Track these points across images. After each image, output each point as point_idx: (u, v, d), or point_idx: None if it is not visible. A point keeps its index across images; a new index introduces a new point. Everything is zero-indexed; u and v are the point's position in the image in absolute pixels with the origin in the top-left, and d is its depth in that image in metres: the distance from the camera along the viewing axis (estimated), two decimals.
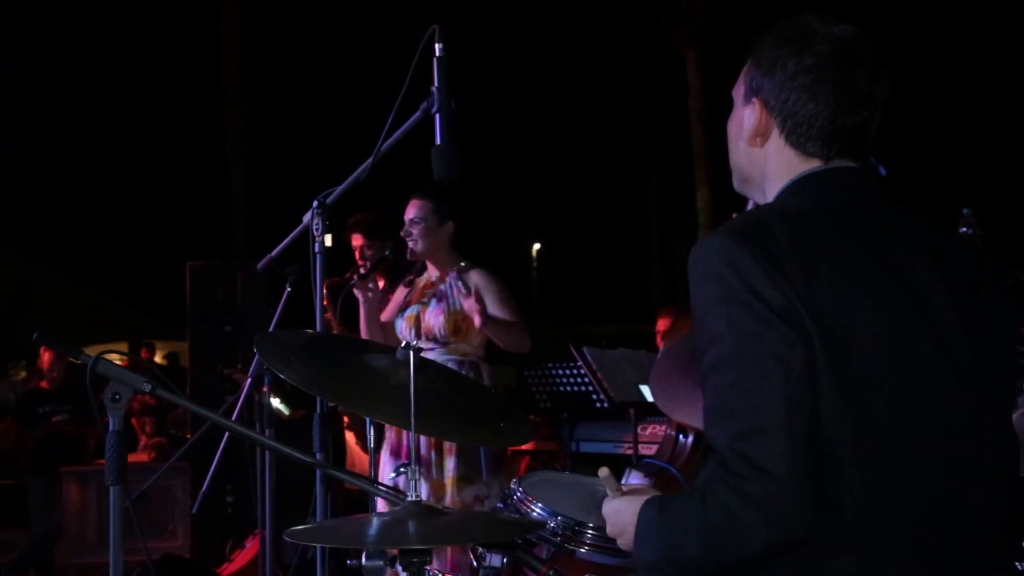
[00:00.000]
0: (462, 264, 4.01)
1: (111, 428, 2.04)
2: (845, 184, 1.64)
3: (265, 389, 3.57)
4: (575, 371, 5.29)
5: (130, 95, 20.85)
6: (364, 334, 3.89)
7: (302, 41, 21.89)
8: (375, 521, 1.95)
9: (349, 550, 2.35)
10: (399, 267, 4.29)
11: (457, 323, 3.87)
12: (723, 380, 1.48)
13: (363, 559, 2.12)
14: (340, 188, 2.72)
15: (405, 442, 3.80)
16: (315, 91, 22.08)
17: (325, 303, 4.26)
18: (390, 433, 3.90)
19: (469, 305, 3.71)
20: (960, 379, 1.54)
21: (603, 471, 1.87)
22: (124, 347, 19.59)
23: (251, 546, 5.27)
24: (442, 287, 3.97)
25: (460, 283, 3.92)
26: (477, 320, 3.70)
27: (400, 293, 4.12)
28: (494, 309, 3.83)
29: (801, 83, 1.61)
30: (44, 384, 7.27)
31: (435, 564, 3.31)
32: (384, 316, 4.06)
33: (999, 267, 1.72)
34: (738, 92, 1.74)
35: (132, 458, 7.54)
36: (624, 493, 1.79)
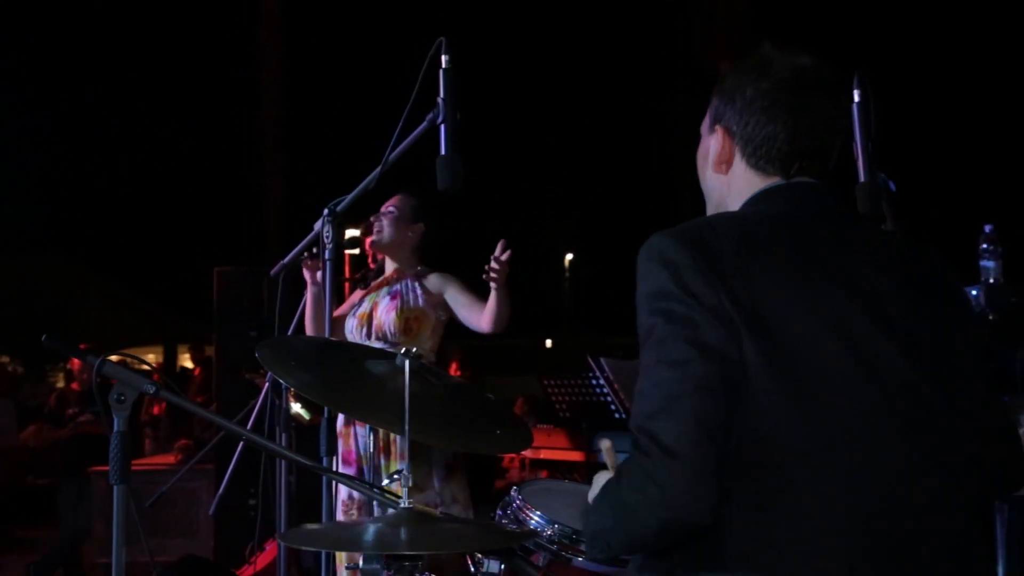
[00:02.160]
0: (420, 268, 3.94)
1: (115, 428, 2.08)
2: (802, 196, 1.69)
3: (285, 394, 3.61)
4: (594, 382, 5.30)
5: (169, 106, 21.16)
6: (308, 322, 3.79)
7: (341, 51, 22.11)
8: (369, 526, 1.98)
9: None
10: (365, 268, 4.17)
11: (408, 322, 3.78)
12: (643, 364, 1.53)
13: (360, 562, 2.15)
14: (350, 196, 2.76)
15: (354, 449, 3.75)
16: (352, 101, 22.27)
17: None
18: (341, 442, 3.80)
19: (500, 265, 3.49)
20: (919, 376, 1.55)
21: (605, 443, 1.89)
22: (160, 351, 19.89)
23: (270, 549, 5.32)
24: (397, 286, 3.87)
25: (418, 285, 3.86)
26: (499, 282, 3.52)
27: (356, 295, 4.03)
28: (460, 295, 3.79)
29: (759, 107, 1.68)
30: (75, 386, 7.41)
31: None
32: (337, 312, 3.96)
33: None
34: (705, 124, 1.81)
35: (159, 460, 7.66)
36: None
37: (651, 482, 1.45)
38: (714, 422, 1.46)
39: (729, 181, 1.75)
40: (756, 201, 1.70)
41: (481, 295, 3.73)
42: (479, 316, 3.70)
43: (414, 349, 2.06)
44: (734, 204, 1.74)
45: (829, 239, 1.62)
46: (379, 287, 3.93)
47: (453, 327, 3.94)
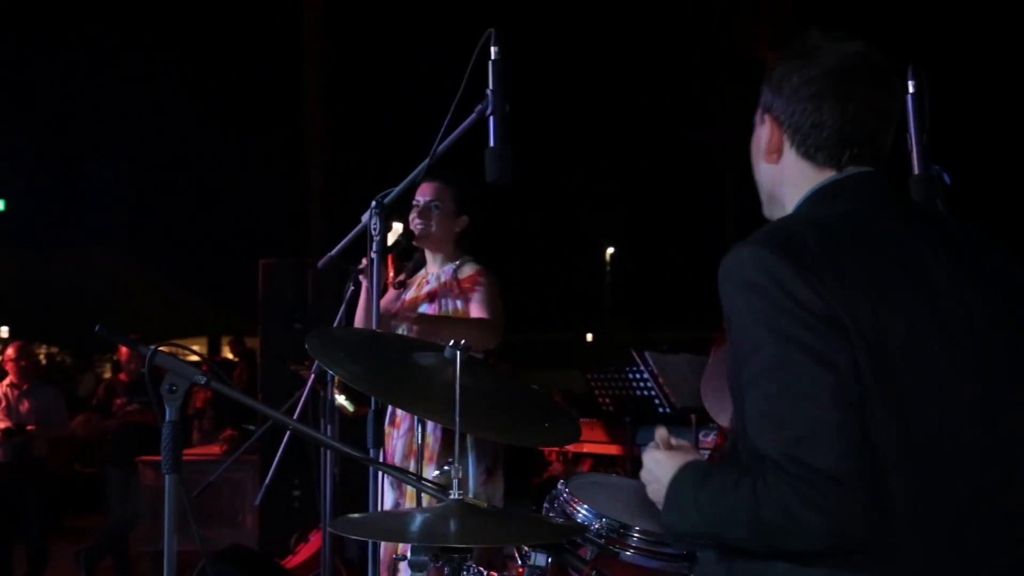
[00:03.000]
0: (462, 260, 3.78)
1: (167, 418, 2.10)
2: (861, 190, 1.66)
3: (330, 386, 3.62)
4: (638, 376, 5.28)
5: (212, 99, 21.37)
6: (359, 320, 3.69)
7: (384, 42, 22.19)
8: (418, 517, 1.98)
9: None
10: (406, 258, 3.96)
11: None
12: (771, 388, 1.48)
13: (408, 552, 2.15)
14: (398, 189, 2.76)
15: (390, 449, 3.69)
16: (395, 93, 22.35)
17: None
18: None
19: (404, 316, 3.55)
20: (1001, 378, 1.54)
21: (662, 430, 1.85)
22: (204, 342, 20.15)
23: (314, 540, 5.37)
24: (435, 286, 3.75)
25: (456, 284, 3.72)
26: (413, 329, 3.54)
27: (391, 295, 3.81)
28: (473, 304, 3.66)
29: (806, 94, 1.66)
30: (122, 376, 7.52)
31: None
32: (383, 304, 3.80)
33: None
34: (757, 115, 1.79)
35: (205, 450, 7.76)
36: (672, 448, 1.79)
37: (815, 508, 1.42)
38: (859, 436, 1.44)
39: (780, 171, 1.73)
40: (815, 201, 1.67)
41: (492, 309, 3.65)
42: None
43: (462, 342, 2.06)
44: (787, 194, 1.73)
45: (898, 236, 1.60)
46: (420, 300, 3.80)
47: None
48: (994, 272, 1.64)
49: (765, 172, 1.77)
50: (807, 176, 1.70)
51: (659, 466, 1.73)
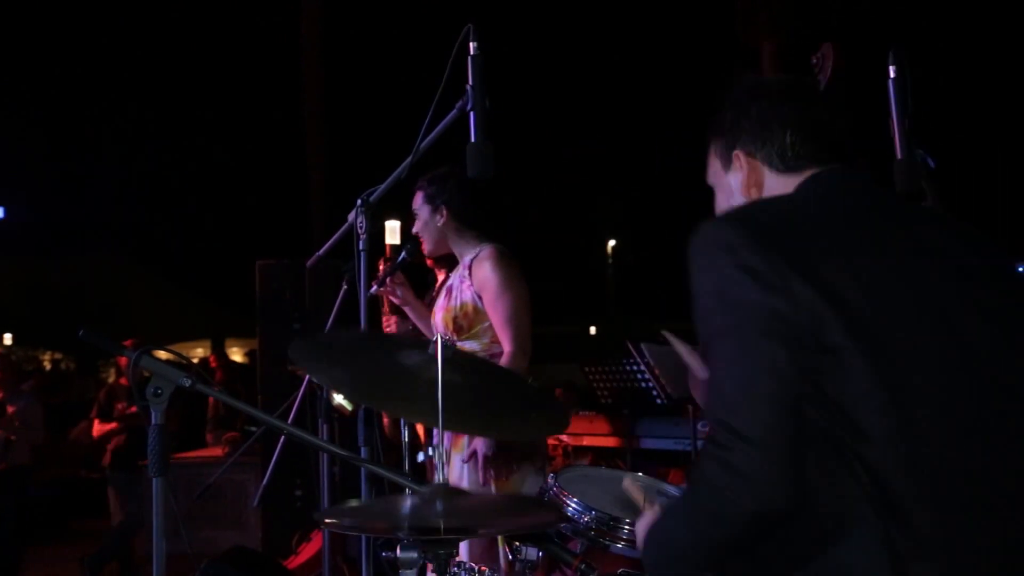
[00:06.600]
0: (478, 248, 3.58)
1: (153, 422, 2.09)
2: (847, 176, 1.71)
3: (326, 386, 3.60)
4: (634, 368, 5.27)
5: (214, 102, 21.39)
6: (425, 331, 3.70)
7: (383, 41, 22.17)
8: (403, 502, 1.98)
9: (383, 542, 2.38)
10: (419, 268, 3.97)
11: (457, 320, 3.51)
12: (716, 356, 1.51)
13: (398, 550, 2.15)
14: (382, 187, 2.77)
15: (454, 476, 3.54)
16: (395, 93, 22.35)
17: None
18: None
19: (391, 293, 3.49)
20: (1004, 355, 1.54)
21: (626, 482, 1.89)
22: (208, 345, 20.20)
23: (316, 539, 5.37)
24: (451, 281, 3.61)
25: (468, 273, 3.54)
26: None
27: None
28: (489, 309, 3.46)
29: (767, 119, 1.74)
30: (123, 380, 7.53)
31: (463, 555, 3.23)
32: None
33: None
34: (714, 171, 1.84)
35: (207, 452, 7.77)
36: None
37: (734, 473, 1.43)
38: (789, 406, 1.44)
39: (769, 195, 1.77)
40: (800, 190, 1.71)
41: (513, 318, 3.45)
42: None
43: (447, 337, 2.05)
44: None
45: (893, 213, 1.64)
46: (440, 287, 3.76)
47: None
48: (973, 263, 1.63)
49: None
50: (790, 184, 1.73)
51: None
